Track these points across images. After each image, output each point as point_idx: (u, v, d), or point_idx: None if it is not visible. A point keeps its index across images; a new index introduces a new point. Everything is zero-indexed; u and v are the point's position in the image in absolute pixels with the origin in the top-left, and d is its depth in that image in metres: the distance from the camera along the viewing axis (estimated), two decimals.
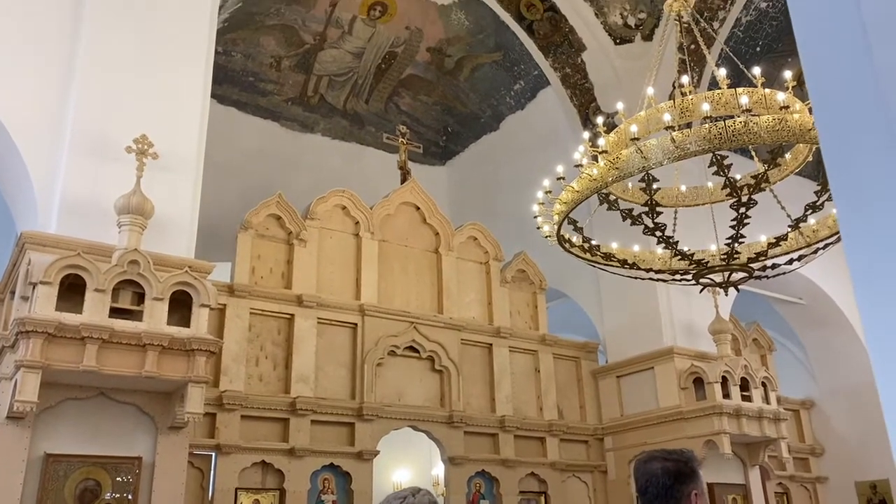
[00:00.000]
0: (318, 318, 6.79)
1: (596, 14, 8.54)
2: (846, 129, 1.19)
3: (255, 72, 9.38)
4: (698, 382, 7.57)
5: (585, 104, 8.86)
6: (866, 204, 1.13)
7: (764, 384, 7.85)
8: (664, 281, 5.73)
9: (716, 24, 8.11)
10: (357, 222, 7.41)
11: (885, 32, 1.12)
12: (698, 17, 5.65)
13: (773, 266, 5.26)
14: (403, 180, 8.08)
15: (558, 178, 5.27)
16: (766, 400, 7.81)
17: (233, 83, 9.34)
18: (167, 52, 5.81)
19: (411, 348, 7.21)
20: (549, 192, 5.44)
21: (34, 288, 4.61)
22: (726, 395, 7.41)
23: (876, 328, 1.10)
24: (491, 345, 7.76)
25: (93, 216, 5.09)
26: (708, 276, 5.28)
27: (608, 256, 5.55)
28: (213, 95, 6.81)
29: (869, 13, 1.13)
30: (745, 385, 7.64)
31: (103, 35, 5.57)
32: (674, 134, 4.34)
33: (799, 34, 1.28)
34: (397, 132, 8.55)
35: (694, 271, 5.22)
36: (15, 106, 5.20)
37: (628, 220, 4.98)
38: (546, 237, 5.62)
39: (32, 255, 4.74)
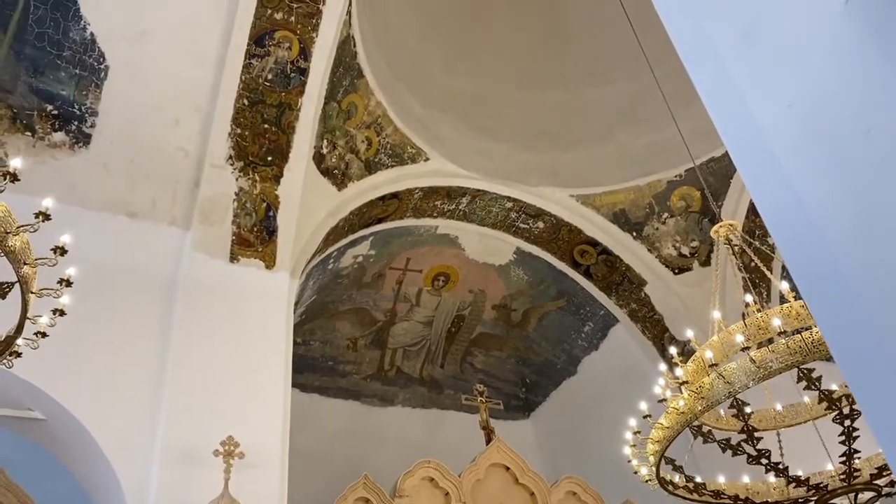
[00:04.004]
0: None
1: (649, 250, 8.82)
2: None
3: (333, 356, 9.78)
4: None
5: (659, 335, 8.81)
6: None
7: None
8: None
9: (770, 239, 8.23)
10: (447, 493, 7.14)
11: None
12: (749, 238, 5.77)
13: None
14: (488, 440, 7.90)
15: (645, 417, 5.08)
16: None
17: (313, 370, 9.71)
18: (249, 355, 6.17)
19: None
20: (638, 431, 5.21)
21: None
22: None
23: None
24: None
25: None
26: (831, 502, 4.78)
27: (717, 494, 5.12)
28: (295, 384, 7.07)
29: None
30: None
31: (189, 349, 6.01)
32: (751, 354, 4.22)
33: None
34: (475, 392, 8.54)
35: (815, 498, 4.74)
36: (106, 422, 5.49)
37: (729, 451, 4.66)
38: (646, 481, 5.28)
39: None
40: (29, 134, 6.48)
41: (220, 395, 5.82)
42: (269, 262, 6.90)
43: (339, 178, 7.71)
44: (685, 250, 8.72)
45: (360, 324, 9.67)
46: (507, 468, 7.59)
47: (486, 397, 8.46)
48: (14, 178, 2.86)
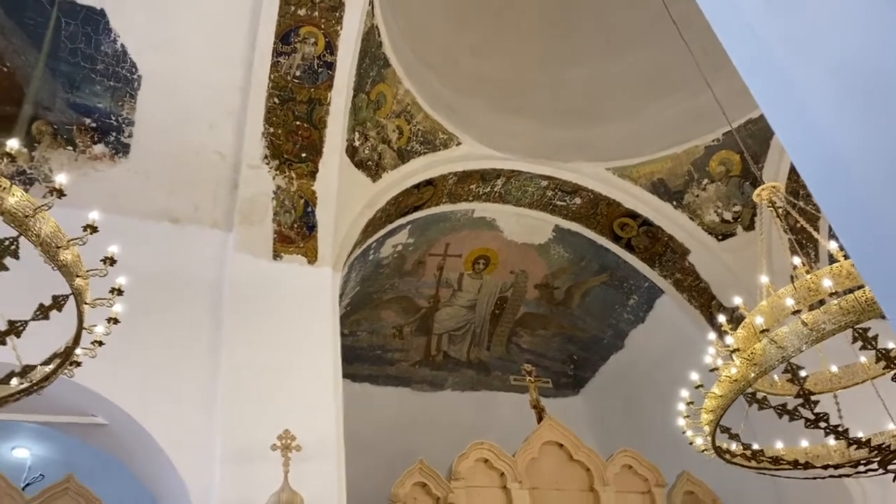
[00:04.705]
0: None
1: (690, 217, 8.69)
2: None
3: (380, 345, 9.88)
4: None
5: (706, 304, 8.69)
6: None
7: None
8: (847, 476, 5.10)
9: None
10: (502, 473, 7.18)
11: None
12: (793, 199, 5.64)
13: None
14: (540, 419, 7.91)
15: (697, 387, 5.03)
16: None
17: (362, 360, 9.82)
18: (298, 349, 6.28)
19: None
20: (691, 402, 5.16)
21: None
22: None
23: None
24: None
25: None
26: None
27: (776, 460, 5.05)
28: (346, 375, 7.16)
29: None
30: None
31: (240, 347, 6.14)
32: (803, 317, 4.14)
33: None
34: (523, 372, 8.55)
35: (877, 459, 4.65)
36: (166, 423, 5.65)
37: (786, 416, 4.59)
38: (702, 451, 5.23)
39: None
40: (70, 148, 6.65)
41: (274, 391, 5.94)
42: (312, 258, 6.98)
43: (373, 169, 7.75)
44: (728, 216, 8.56)
45: (404, 312, 9.74)
46: (561, 445, 7.60)
47: (535, 376, 8.46)
48: (60, 193, 2.95)
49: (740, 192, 8.42)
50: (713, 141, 8.44)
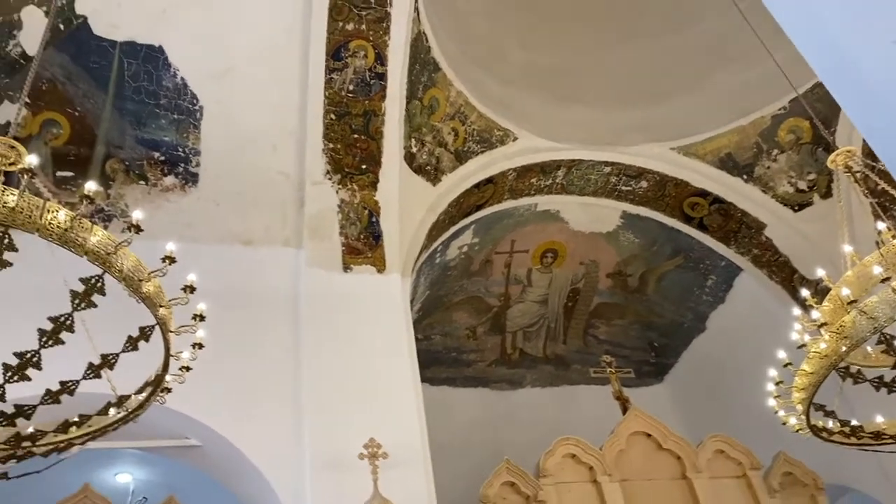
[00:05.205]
0: None
1: (763, 190, 8.40)
2: None
3: (455, 347, 9.92)
4: None
5: (787, 278, 8.38)
6: None
7: None
8: None
9: None
10: (591, 467, 7.09)
11: None
12: (870, 161, 5.37)
13: None
14: (624, 410, 7.79)
15: (785, 365, 4.86)
16: None
17: (439, 363, 9.88)
18: (375, 357, 6.37)
19: None
20: (781, 381, 4.99)
21: None
22: None
23: None
24: None
25: None
26: None
27: (878, 435, 4.83)
28: (424, 379, 7.21)
29: None
30: None
31: (319, 360, 6.27)
32: (894, 284, 3.95)
33: None
34: (603, 363, 8.44)
35: None
36: (256, 440, 5.82)
37: (883, 389, 4.39)
38: (797, 431, 5.05)
39: None
40: (143, 182, 6.92)
41: (356, 400, 6.03)
42: (380, 266, 7.07)
43: (431, 173, 7.78)
44: (802, 185, 8.24)
45: (475, 312, 9.75)
46: (649, 435, 7.46)
47: (615, 367, 8.34)
48: (138, 229, 3.07)
49: (813, 160, 8.09)
50: (780, 109, 8.14)
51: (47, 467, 3.65)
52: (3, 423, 3.14)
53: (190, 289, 3.43)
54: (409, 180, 7.54)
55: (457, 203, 8.00)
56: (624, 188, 8.86)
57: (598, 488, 6.96)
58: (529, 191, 8.68)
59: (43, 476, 3.73)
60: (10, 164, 3.05)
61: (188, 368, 3.69)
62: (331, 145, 7.07)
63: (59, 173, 6.64)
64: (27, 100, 6.26)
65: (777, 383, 4.97)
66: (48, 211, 2.84)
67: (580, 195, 8.90)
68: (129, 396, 3.55)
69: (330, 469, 5.61)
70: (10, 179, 3.05)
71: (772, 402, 5.08)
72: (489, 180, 8.20)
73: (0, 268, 2.74)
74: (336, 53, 6.80)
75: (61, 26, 6.31)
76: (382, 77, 6.98)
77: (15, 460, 3.40)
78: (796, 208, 8.29)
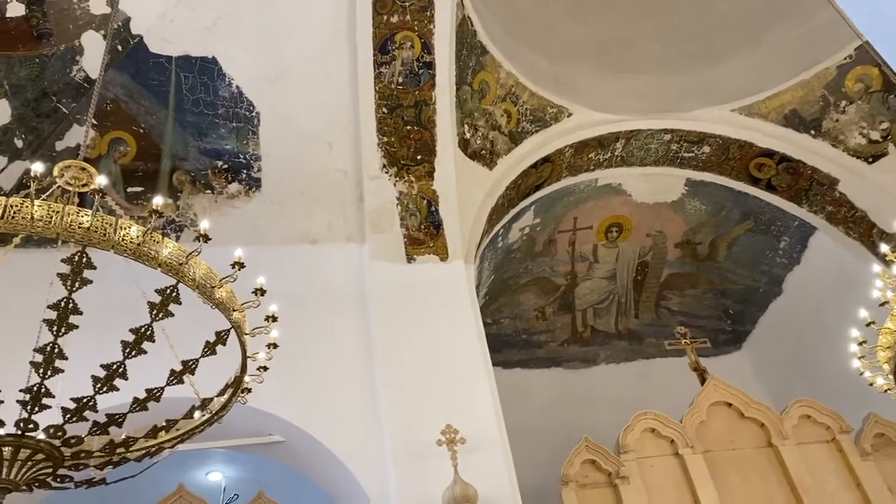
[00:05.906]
0: None
1: (833, 145, 8.07)
2: None
3: (525, 329, 9.90)
4: None
5: (865, 233, 8.04)
6: None
7: None
8: None
9: None
10: (672, 441, 6.99)
11: None
12: None
13: None
14: (702, 381, 7.64)
15: (868, 324, 4.69)
16: None
17: (510, 346, 9.88)
18: (446, 344, 6.43)
19: None
20: (864, 341, 4.81)
21: None
22: None
23: None
24: None
25: None
26: None
27: None
28: (496, 363, 7.24)
29: None
30: None
31: (391, 351, 6.39)
32: None
33: None
34: (677, 335, 8.29)
35: None
36: (337, 433, 5.97)
37: None
38: (885, 391, 4.86)
39: None
40: (209, 191, 7.14)
41: (430, 388, 6.11)
42: (443, 255, 7.12)
43: (487, 157, 7.76)
44: (875, 135, 7.86)
45: (542, 292, 9.70)
46: (730, 405, 7.30)
47: (691, 338, 8.19)
48: (206, 238, 3.18)
49: (885, 108, 7.71)
50: (845, 59, 7.78)
51: (142, 471, 3.83)
52: (97, 432, 3.31)
53: (260, 291, 3.53)
54: (465, 167, 7.55)
55: (514, 185, 7.96)
56: (686, 155, 8.64)
57: (680, 461, 6.86)
58: (588, 166, 8.57)
59: (139, 479, 3.91)
60: (83, 186, 3.18)
61: (265, 368, 3.80)
62: (385, 139, 7.14)
63: (129, 189, 6.91)
64: (94, 121, 6.53)
65: (860, 343, 4.80)
66: (121, 228, 2.96)
67: (641, 166, 8.73)
68: (211, 399, 3.69)
69: (410, 456, 5.70)
70: (84, 200, 3.20)
71: (856, 363, 4.91)
72: (546, 159, 8.13)
73: (81, 285, 2.86)
74: (383, 47, 6.84)
75: (119, 47, 6.54)
76: (430, 66, 6.99)
77: (111, 466, 3.58)
78: (870, 160, 7.92)
